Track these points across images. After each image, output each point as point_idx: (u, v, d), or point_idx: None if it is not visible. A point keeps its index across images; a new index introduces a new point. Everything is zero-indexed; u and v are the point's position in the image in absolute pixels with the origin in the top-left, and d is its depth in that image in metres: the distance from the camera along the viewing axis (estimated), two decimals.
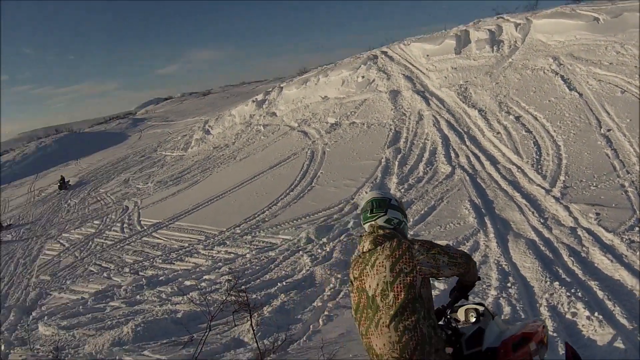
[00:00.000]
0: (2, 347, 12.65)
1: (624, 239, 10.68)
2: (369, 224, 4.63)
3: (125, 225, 23.48)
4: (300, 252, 14.71)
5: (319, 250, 14.40)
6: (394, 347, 4.05)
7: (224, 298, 11.04)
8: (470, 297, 5.25)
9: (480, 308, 5.00)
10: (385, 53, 35.51)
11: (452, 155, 19.54)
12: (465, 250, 11.27)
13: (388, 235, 4.39)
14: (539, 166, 16.33)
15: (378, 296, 4.18)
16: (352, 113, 29.27)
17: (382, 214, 4.59)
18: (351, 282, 4.54)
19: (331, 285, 12.02)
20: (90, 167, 47.98)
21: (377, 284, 4.20)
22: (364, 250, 4.44)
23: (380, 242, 4.35)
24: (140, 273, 16.72)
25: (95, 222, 25.94)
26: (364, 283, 4.33)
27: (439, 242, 4.54)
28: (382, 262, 4.22)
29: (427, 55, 31.26)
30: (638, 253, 9.97)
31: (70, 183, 39.29)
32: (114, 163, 46.83)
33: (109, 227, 24.05)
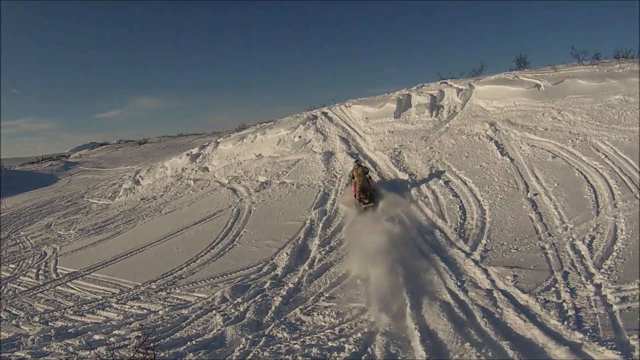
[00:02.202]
0: None
1: (539, 299, 11.16)
2: (361, 163, 22.29)
3: (41, 271, 22.41)
4: (214, 311, 14.31)
5: (233, 310, 14.06)
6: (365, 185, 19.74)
7: (131, 355, 11.04)
8: None
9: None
10: (325, 114, 35.66)
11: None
12: (377, 310, 11.92)
13: (362, 165, 21.62)
14: (462, 230, 16.40)
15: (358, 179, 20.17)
16: (284, 172, 28.86)
17: (361, 161, 23.35)
18: (353, 177, 21.05)
19: (241, 345, 11.76)
20: (14, 208, 46.29)
21: (359, 176, 20.26)
22: (360, 166, 21.23)
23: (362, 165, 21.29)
24: (50, 323, 15.93)
25: (11, 265, 24.70)
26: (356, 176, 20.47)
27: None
28: (360, 170, 20.55)
29: (367, 118, 31.36)
30: (552, 312, 10.39)
31: None
32: (39, 206, 45.19)
33: (24, 272, 22.94)
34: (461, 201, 18.55)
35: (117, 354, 11.84)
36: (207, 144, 43.40)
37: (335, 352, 10.50)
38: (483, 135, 23.28)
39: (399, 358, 9.90)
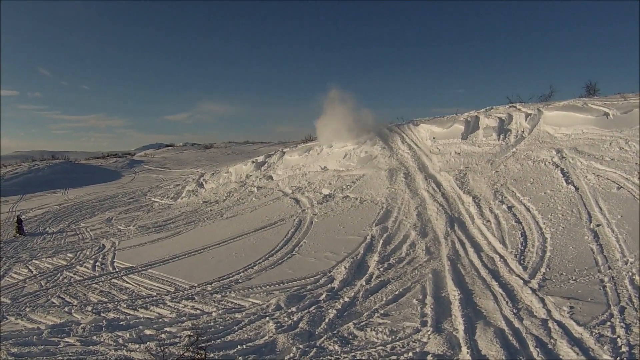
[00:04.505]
0: None
1: (594, 333, 10.86)
2: None
3: (97, 263, 22.76)
4: (267, 317, 14.20)
5: (286, 319, 13.94)
6: None
7: (182, 353, 10.94)
8: None
9: None
10: (392, 130, 35.65)
11: (438, 239, 19.19)
12: (431, 331, 11.71)
13: None
14: (522, 257, 16.13)
15: None
16: (348, 187, 28.94)
17: None
18: None
19: (291, 354, 11.60)
20: (77, 200, 47.20)
21: None
22: None
23: None
24: (102, 314, 16.07)
25: (69, 254, 25.13)
26: None
27: None
28: None
29: (434, 138, 31.44)
30: (605, 347, 10.12)
31: (25, 231, 34.46)
32: (101, 200, 46.05)
33: (81, 262, 23.32)
34: (523, 228, 18.31)
35: (167, 350, 11.90)
36: (272, 153, 43.71)
37: None
38: (549, 162, 23.01)
39: None
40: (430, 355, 10.66)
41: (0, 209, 44.54)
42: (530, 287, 13.77)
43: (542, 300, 12.90)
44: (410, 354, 10.88)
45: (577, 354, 9.96)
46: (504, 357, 10.12)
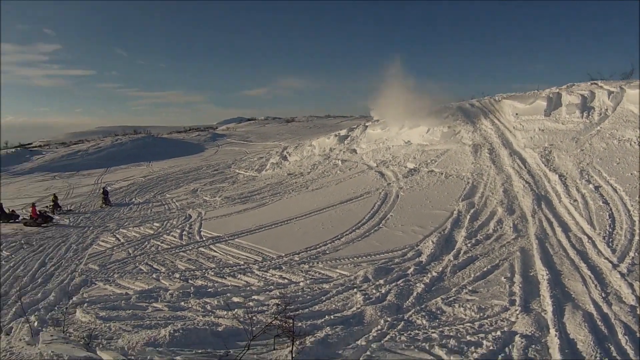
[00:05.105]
0: (36, 324, 12.76)
1: None
2: None
3: (184, 232, 23.50)
4: (355, 289, 14.46)
5: (374, 291, 14.15)
6: None
7: (270, 321, 11.21)
8: None
9: None
10: (473, 106, 35.50)
11: (526, 216, 19.21)
12: (519, 310, 11.67)
13: None
14: (611, 239, 15.95)
15: None
16: (432, 161, 29.15)
17: None
18: None
19: (379, 326, 11.79)
20: (161, 172, 48.60)
21: None
22: None
23: None
24: (190, 281, 16.69)
25: (156, 224, 26.04)
26: None
27: None
28: None
29: (517, 114, 31.21)
30: None
31: (111, 201, 35.75)
32: (185, 172, 47.27)
33: (168, 231, 24.14)
34: (611, 209, 18.11)
35: (255, 318, 12.07)
36: (355, 126, 43.97)
37: (472, 347, 10.30)
38: (635, 142, 22.74)
39: None
40: (518, 335, 10.72)
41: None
42: (619, 271, 13.60)
43: (631, 285, 12.71)
44: (499, 332, 10.93)
45: None
46: (592, 342, 10.06)
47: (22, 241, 23.62)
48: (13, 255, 21.32)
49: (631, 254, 14.74)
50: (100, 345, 11.08)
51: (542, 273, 14.07)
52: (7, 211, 30.24)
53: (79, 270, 18.77)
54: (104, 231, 25.44)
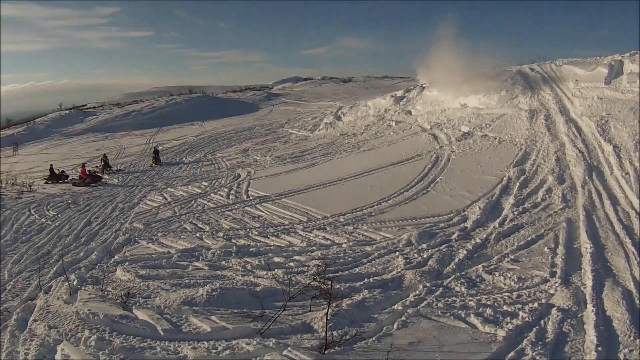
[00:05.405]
0: (75, 282, 13.08)
1: None
2: None
3: (232, 192, 23.75)
4: (397, 252, 14.50)
5: (416, 255, 14.18)
6: None
7: (308, 282, 11.29)
8: None
9: None
10: (533, 70, 34.96)
11: (575, 187, 18.98)
12: (559, 283, 11.61)
13: None
14: None
15: None
16: (487, 125, 28.95)
17: None
18: None
19: (417, 292, 11.83)
20: (213, 131, 49.10)
21: None
22: None
23: None
24: (233, 240, 16.83)
25: (204, 183, 26.37)
26: None
27: None
28: None
29: (576, 80, 30.68)
30: None
31: (162, 160, 36.18)
32: (238, 131, 47.60)
33: (215, 190, 24.42)
34: None
35: (294, 278, 12.17)
36: (412, 88, 43.64)
37: (508, 318, 10.24)
38: None
39: (569, 339, 9.54)
40: (555, 308, 10.64)
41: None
42: None
43: None
44: (536, 304, 10.86)
45: None
46: (628, 321, 9.88)
47: (70, 201, 24.08)
48: (59, 215, 21.66)
49: None
50: (137, 304, 11.31)
51: (585, 246, 13.90)
52: (56, 172, 30.72)
53: (124, 229, 19.12)
54: (152, 190, 25.90)
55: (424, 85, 42.30)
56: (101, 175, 30.52)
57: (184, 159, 36.38)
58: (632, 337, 9.36)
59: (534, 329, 9.81)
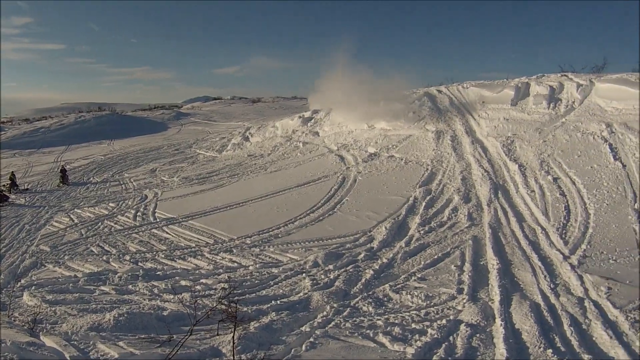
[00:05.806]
0: None
1: (629, 317, 10.62)
2: None
3: (139, 213, 23.19)
4: (304, 274, 14.40)
5: (322, 276, 14.06)
6: None
7: (214, 305, 10.96)
8: None
9: None
10: (441, 92, 35.48)
11: (481, 205, 19.11)
12: (466, 299, 11.70)
13: None
14: (564, 231, 15.87)
15: None
16: (394, 146, 28.95)
17: None
18: None
19: (324, 313, 11.70)
20: (122, 150, 48.09)
21: None
22: None
23: None
24: (140, 263, 16.47)
25: (111, 204, 25.71)
26: None
27: None
28: None
29: (483, 102, 31.18)
30: (639, 334, 9.87)
31: (69, 180, 35.01)
32: (146, 151, 46.85)
33: (122, 212, 23.80)
34: (567, 201, 17.98)
35: (200, 302, 12.00)
36: (320, 109, 43.58)
37: (417, 335, 10.22)
38: (598, 136, 22.38)
39: (479, 353, 9.65)
40: (464, 324, 10.66)
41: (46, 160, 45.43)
42: (570, 263, 13.57)
43: (580, 277, 12.70)
44: (444, 320, 10.89)
45: (611, 337, 9.78)
46: (537, 333, 10.05)
47: None
48: None
49: (583, 246, 14.71)
50: (44, 330, 10.85)
51: (492, 262, 14.02)
52: None
53: (30, 252, 18.48)
54: (59, 211, 25.03)
55: (331, 107, 42.24)
56: (8, 195, 29.37)
57: (91, 178, 35.36)
58: (542, 348, 9.54)
59: (443, 345, 9.82)
